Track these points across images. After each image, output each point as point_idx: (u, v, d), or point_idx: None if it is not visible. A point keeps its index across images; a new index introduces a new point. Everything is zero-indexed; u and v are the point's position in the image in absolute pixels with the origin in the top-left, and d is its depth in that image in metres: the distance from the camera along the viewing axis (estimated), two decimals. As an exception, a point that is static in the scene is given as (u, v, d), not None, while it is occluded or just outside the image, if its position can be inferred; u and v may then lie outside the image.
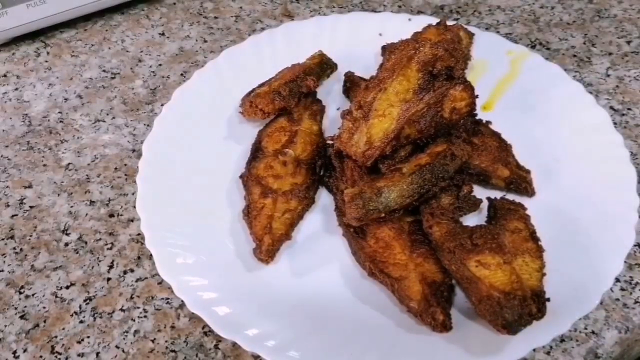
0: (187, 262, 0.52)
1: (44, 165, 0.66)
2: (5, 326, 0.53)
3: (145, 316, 0.53)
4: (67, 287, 0.55)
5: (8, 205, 0.62)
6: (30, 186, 0.64)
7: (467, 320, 0.49)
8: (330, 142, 0.59)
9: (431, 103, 0.55)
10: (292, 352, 0.47)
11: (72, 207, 0.61)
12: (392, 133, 0.54)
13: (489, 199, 0.56)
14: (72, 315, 0.53)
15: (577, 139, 0.60)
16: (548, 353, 0.49)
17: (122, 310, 0.53)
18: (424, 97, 0.54)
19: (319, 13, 0.82)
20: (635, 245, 0.56)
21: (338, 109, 0.67)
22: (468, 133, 0.59)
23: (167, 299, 0.54)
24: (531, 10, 0.82)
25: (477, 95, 0.57)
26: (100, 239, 0.59)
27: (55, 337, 0.52)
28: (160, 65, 0.76)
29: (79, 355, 0.51)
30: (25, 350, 0.51)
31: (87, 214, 0.61)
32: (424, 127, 0.55)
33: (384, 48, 0.69)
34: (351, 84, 0.67)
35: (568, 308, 0.48)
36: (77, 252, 0.58)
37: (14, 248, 0.58)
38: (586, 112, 0.62)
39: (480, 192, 0.57)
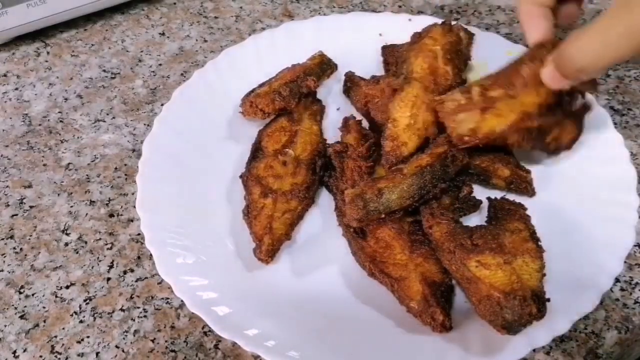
0: (187, 262, 0.52)
1: (44, 165, 0.66)
2: (5, 326, 0.53)
3: (145, 316, 0.53)
4: (67, 287, 0.55)
5: (8, 205, 0.62)
6: (30, 186, 0.64)
7: (467, 320, 0.49)
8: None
9: (544, 126, 0.55)
10: (292, 352, 0.47)
11: (72, 207, 0.61)
12: (497, 134, 0.54)
13: (489, 199, 0.56)
14: (72, 315, 0.53)
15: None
16: (548, 353, 0.49)
17: (122, 310, 0.53)
18: (541, 119, 0.54)
19: (319, 13, 0.82)
20: (635, 245, 0.55)
21: (338, 109, 0.67)
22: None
23: (167, 298, 0.54)
24: (531, 11, 0.82)
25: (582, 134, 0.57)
26: (100, 239, 0.59)
27: (55, 337, 0.52)
28: (160, 65, 0.76)
29: (78, 355, 0.51)
30: (25, 350, 0.51)
31: (87, 214, 0.61)
32: (521, 140, 0.55)
33: (384, 48, 0.69)
34: (351, 84, 0.67)
35: (568, 308, 0.48)
36: (77, 252, 0.58)
37: (14, 248, 0.58)
38: (586, 112, 0.62)
39: (480, 192, 0.57)
